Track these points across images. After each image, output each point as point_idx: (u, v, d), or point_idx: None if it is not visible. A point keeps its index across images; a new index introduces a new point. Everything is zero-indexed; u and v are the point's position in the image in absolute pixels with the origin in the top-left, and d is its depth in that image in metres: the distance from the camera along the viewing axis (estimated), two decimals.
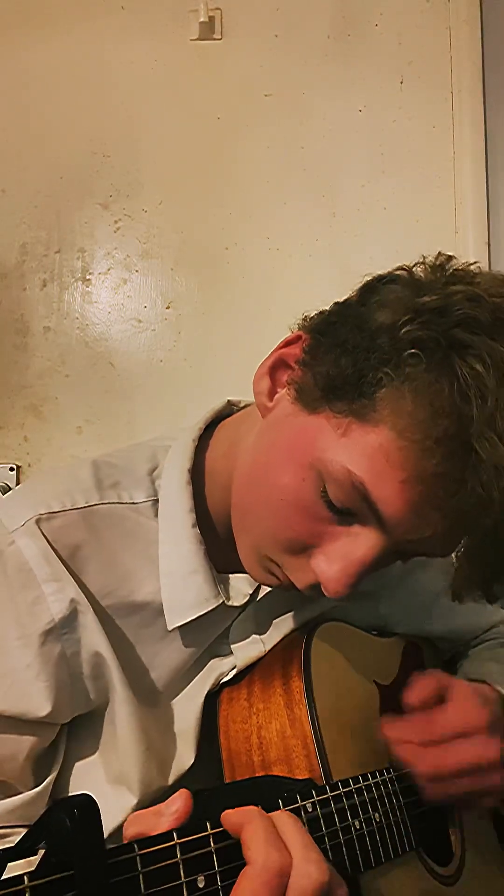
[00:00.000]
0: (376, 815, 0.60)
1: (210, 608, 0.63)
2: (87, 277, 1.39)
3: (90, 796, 0.40)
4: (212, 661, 0.67)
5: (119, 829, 0.61)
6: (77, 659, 0.60)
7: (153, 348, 1.38)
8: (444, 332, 0.50)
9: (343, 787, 0.58)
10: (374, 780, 0.62)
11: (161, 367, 1.37)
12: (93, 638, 0.60)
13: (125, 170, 1.40)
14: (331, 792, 0.57)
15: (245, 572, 0.65)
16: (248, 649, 0.68)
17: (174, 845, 0.43)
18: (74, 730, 0.64)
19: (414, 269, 0.57)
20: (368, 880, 0.57)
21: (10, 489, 1.33)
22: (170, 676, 0.65)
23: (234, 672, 0.67)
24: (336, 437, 0.54)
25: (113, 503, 0.64)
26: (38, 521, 0.59)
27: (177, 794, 0.45)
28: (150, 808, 0.45)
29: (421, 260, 0.57)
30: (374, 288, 0.56)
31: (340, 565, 0.55)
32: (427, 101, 1.39)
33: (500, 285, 0.53)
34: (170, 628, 0.63)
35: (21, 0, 1.42)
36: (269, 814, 0.46)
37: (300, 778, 0.59)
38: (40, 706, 0.58)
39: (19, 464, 1.36)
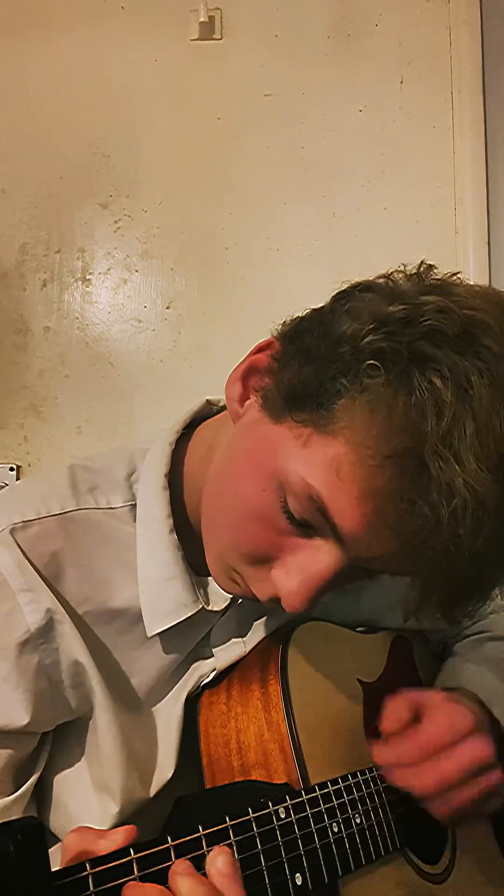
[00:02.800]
0: (357, 816, 0.60)
1: (189, 614, 0.62)
2: (87, 277, 1.39)
3: (35, 819, 0.39)
4: (193, 664, 0.67)
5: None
6: (56, 668, 0.59)
7: (153, 348, 1.38)
8: (408, 344, 0.48)
9: (321, 791, 0.58)
10: (356, 780, 0.62)
11: (161, 367, 1.37)
12: (71, 647, 0.59)
13: (125, 170, 1.40)
14: (307, 796, 0.56)
15: None
16: (229, 651, 0.67)
17: (130, 861, 0.42)
18: (62, 734, 0.64)
19: (392, 276, 0.55)
20: (349, 884, 0.57)
21: None
22: (151, 682, 0.64)
23: (214, 674, 0.66)
24: (297, 448, 0.52)
25: (90, 509, 0.63)
26: (12, 531, 0.59)
27: (122, 829, 0.45)
28: (95, 830, 0.45)
29: (401, 268, 0.56)
30: (347, 295, 0.55)
31: (299, 579, 0.54)
32: (427, 101, 1.39)
33: (477, 297, 0.51)
34: (149, 635, 0.62)
35: (21, 0, 1.42)
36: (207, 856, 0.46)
37: (278, 782, 0.58)
38: (19, 717, 0.58)
39: (19, 464, 1.36)
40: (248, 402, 0.59)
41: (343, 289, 0.56)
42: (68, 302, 1.39)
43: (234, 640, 0.68)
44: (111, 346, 1.38)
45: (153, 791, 0.63)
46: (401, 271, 0.55)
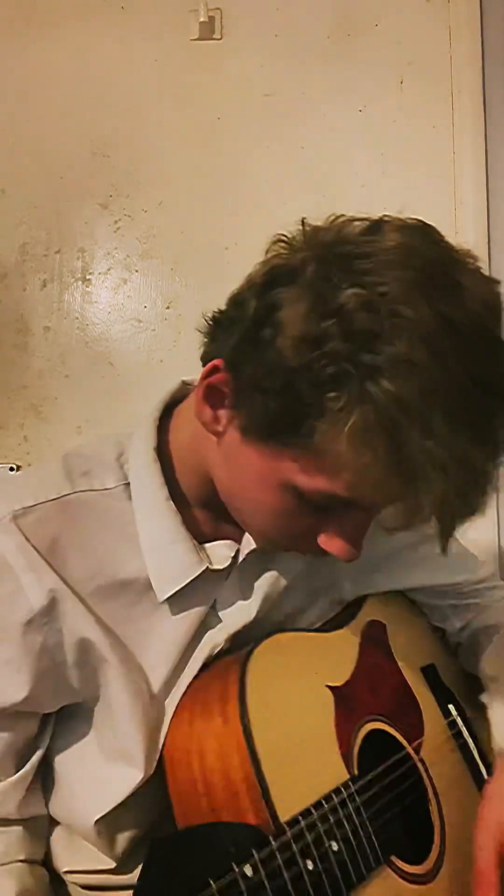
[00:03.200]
0: (334, 844, 0.59)
1: (196, 574, 0.64)
2: (87, 277, 1.39)
3: None
4: (207, 633, 0.68)
5: (121, 807, 0.62)
6: (60, 649, 0.61)
7: (153, 348, 1.38)
8: (352, 360, 0.50)
9: (292, 829, 0.56)
10: (331, 804, 0.60)
11: (161, 367, 1.37)
12: (76, 624, 0.61)
13: (125, 170, 1.40)
14: (276, 841, 0.55)
15: (221, 539, 0.68)
16: (235, 614, 0.69)
17: None
18: (65, 715, 0.66)
19: (292, 257, 0.57)
20: None
21: None
22: (166, 653, 0.65)
23: (225, 642, 0.68)
24: (297, 469, 0.56)
25: (85, 491, 0.66)
26: (13, 518, 0.61)
27: None
28: None
29: (284, 237, 0.59)
30: (266, 304, 0.56)
31: (342, 541, 0.60)
32: (427, 101, 1.39)
33: (378, 261, 0.52)
34: (160, 600, 0.64)
35: (21, 0, 1.42)
36: None
37: (249, 824, 0.57)
38: (17, 693, 0.60)
39: (19, 464, 1.36)
40: (223, 421, 0.61)
41: (251, 287, 0.59)
42: (68, 302, 1.39)
43: (239, 602, 0.70)
44: (111, 346, 1.38)
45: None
46: (283, 241, 0.59)
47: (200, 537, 0.68)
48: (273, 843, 0.55)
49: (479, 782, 0.78)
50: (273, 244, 0.60)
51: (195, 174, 1.39)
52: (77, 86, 1.41)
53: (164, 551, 0.64)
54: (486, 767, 0.79)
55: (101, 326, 1.39)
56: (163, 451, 0.69)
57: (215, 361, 0.60)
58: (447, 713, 0.81)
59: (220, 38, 1.41)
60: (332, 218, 0.58)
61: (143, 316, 1.39)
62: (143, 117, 1.40)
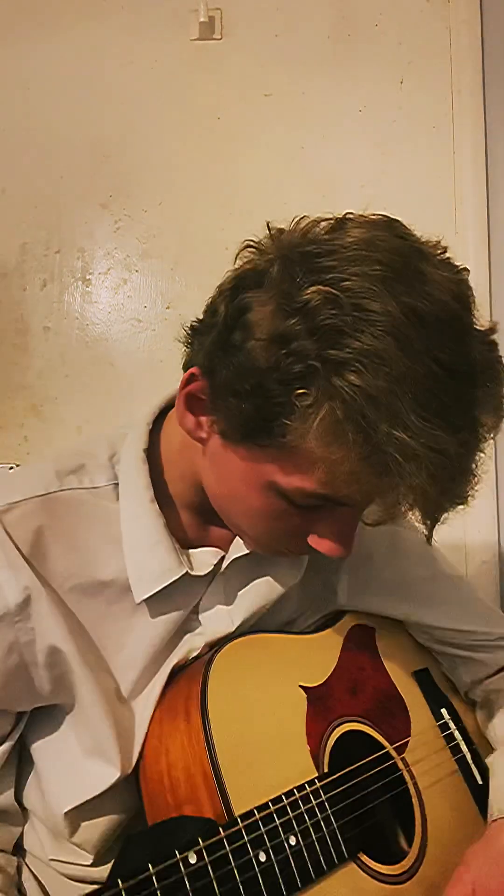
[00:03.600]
0: (291, 838, 0.59)
1: (174, 577, 0.64)
2: (87, 277, 1.39)
3: None
4: (184, 637, 0.69)
5: (96, 800, 0.62)
6: (31, 648, 0.61)
7: (153, 348, 1.38)
8: (317, 357, 0.51)
9: (245, 821, 0.57)
10: (292, 799, 0.61)
11: (161, 367, 1.37)
12: (48, 627, 0.61)
13: (125, 170, 1.40)
14: (225, 831, 0.55)
15: (209, 546, 0.69)
16: (216, 621, 0.69)
17: None
18: (42, 709, 0.66)
19: (258, 261, 0.58)
20: None
21: None
22: (142, 654, 0.66)
23: (203, 647, 0.68)
24: (276, 469, 0.57)
25: (73, 489, 0.66)
26: None
27: None
28: None
29: (259, 242, 0.60)
30: (235, 309, 0.57)
31: (332, 539, 0.61)
32: (427, 101, 1.39)
33: (340, 257, 0.53)
34: (137, 601, 0.64)
35: (21, 0, 1.42)
36: None
37: (204, 817, 0.58)
38: None
39: (19, 464, 1.36)
40: (205, 427, 0.62)
41: (221, 293, 0.60)
42: (68, 302, 1.39)
43: (219, 606, 0.70)
44: (111, 346, 1.38)
45: (136, 756, 0.64)
46: (251, 246, 0.60)
47: (186, 542, 0.68)
48: (222, 832, 0.55)
49: (473, 785, 0.78)
50: (242, 250, 0.61)
51: (195, 174, 1.39)
52: (77, 86, 1.41)
53: (144, 552, 0.65)
54: (479, 771, 0.79)
55: (101, 326, 1.39)
56: (153, 454, 0.69)
57: (192, 369, 0.61)
58: (439, 716, 0.80)
59: (220, 38, 1.41)
60: (297, 219, 0.59)
61: (143, 316, 1.39)
62: (143, 117, 1.40)
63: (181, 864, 0.52)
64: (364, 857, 0.64)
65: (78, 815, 0.64)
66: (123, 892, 0.49)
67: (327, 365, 0.51)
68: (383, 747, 0.72)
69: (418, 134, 1.39)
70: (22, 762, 0.68)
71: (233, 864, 0.55)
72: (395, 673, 0.79)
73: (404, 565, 0.81)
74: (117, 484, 0.68)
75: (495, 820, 0.70)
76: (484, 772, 0.78)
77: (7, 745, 0.65)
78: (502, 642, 0.84)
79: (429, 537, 0.59)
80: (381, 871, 0.64)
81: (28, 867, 0.68)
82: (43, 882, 0.68)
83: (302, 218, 0.58)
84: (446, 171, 1.37)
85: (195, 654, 0.68)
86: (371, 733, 0.72)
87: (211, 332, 0.59)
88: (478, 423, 0.54)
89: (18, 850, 0.69)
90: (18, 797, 0.68)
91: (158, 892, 0.50)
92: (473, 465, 0.55)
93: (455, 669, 0.85)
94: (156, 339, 1.38)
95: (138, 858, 0.51)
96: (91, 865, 0.66)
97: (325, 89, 1.40)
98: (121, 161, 1.40)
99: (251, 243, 0.60)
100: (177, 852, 0.53)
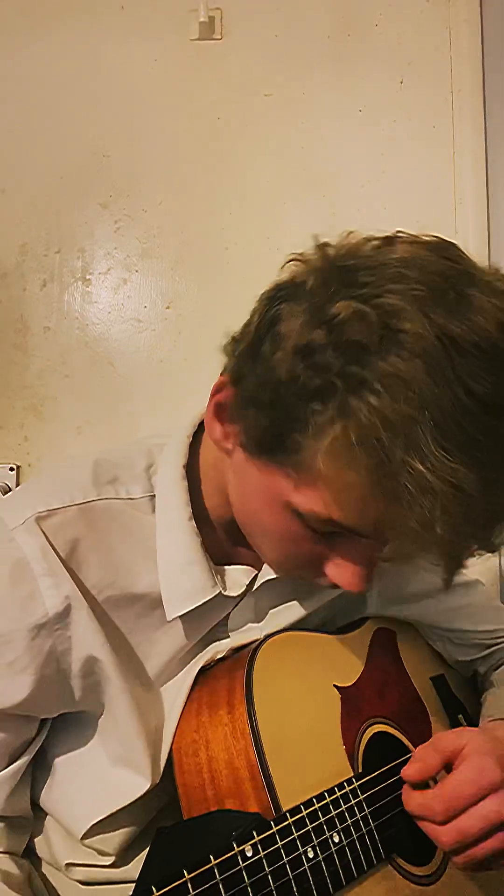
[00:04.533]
0: (335, 835, 0.59)
1: (207, 598, 0.64)
2: (87, 277, 1.39)
3: None
4: (209, 645, 0.69)
5: (126, 810, 0.62)
6: (67, 657, 0.61)
7: (153, 348, 1.38)
8: (338, 373, 0.49)
9: (293, 817, 0.57)
10: (334, 797, 0.61)
11: (161, 367, 1.37)
12: (86, 636, 0.61)
13: (125, 170, 1.40)
14: (276, 827, 0.56)
15: (241, 563, 0.68)
16: (245, 635, 0.69)
17: None
18: (69, 717, 0.65)
19: (299, 273, 0.56)
20: None
21: (10, 489, 1.34)
22: (166, 663, 0.66)
23: (228, 650, 0.68)
24: (291, 489, 0.55)
25: (110, 499, 0.65)
26: (37, 519, 0.61)
27: None
28: None
29: (304, 255, 0.57)
30: (266, 314, 0.56)
31: (350, 571, 0.58)
32: (427, 101, 1.39)
33: (379, 273, 0.50)
34: (169, 619, 0.64)
35: (21, 0, 1.42)
36: None
37: (251, 811, 0.58)
38: (18, 694, 0.60)
39: (19, 464, 1.36)
40: (231, 439, 0.61)
41: (260, 305, 0.58)
42: (68, 302, 1.39)
43: (249, 625, 0.70)
44: (111, 346, 1.38)
45: (163, 764, 0.64)
46: (298, 260, 0.57)
47: (221, 559, 0.67)
48: (274, 827, 0.56)
49: None
50: (287, 262, 0.58)
51: (195, 174, 1.39)
52: (77, 86, 1.41)
53: (179, 571, 0.64)
54: None
55: (101, 326, 1.39)
56: (192, 467, 0.68)
57: (222, 378, 0.60)
58: (456, 724, 0.81)
59: (220, 38, 1.41)
60: (346, 234, 0.56)
61: (143, 316, 1.39)
62: (143, 117, 1.40)
63: (239, 857, 0.53)
64: (397, 858, 0.65)
65: (102, 825, 0.63)
66: (189, 884, 0.50)
67: (347, 383, 0.48)
68: (409, 750, 0.72)
69: (418, 134, 1.39)
70: (39, 769, 0.68)
71: (285, 859, 0.55)
72: (415, 677, 0.80)
73: (427, 577, 0.80)
74: (153, 496, 0.67)
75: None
76: None
77: (24, 760, 0.64)
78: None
79: (446, 581, 0.55)
80: (413, 871, 0.65)
81: (40, 875, 0.68)
82: (57, 889, 0.68)
83: (351, 233, 0.56)
84: (446, 171, 1.37)
85: (221, 655, 0.68)
86: (398, 736, 0.73)
87: (244, 341, 0.58)
88: None
89: (31, 856, 0.69)
90: (35, 802, 0.68)
91: (220, 885, 0.51)
92: (500, 509, 0.51)
93: (473, 664, 0.86)
94: (156, 339, 1.38)
95: (175, 851, 0.51)
96: (110, 866, 0.66)
97: (325, 89, 1.40)
98: (121, 161, 1.40)
99: (296, 256, 0.58)
100: (234, 845, 0.53)
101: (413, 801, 0.62)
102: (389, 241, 0.54)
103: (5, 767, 0.64)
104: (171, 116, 1.40)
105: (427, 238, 0.54)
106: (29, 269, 1.39)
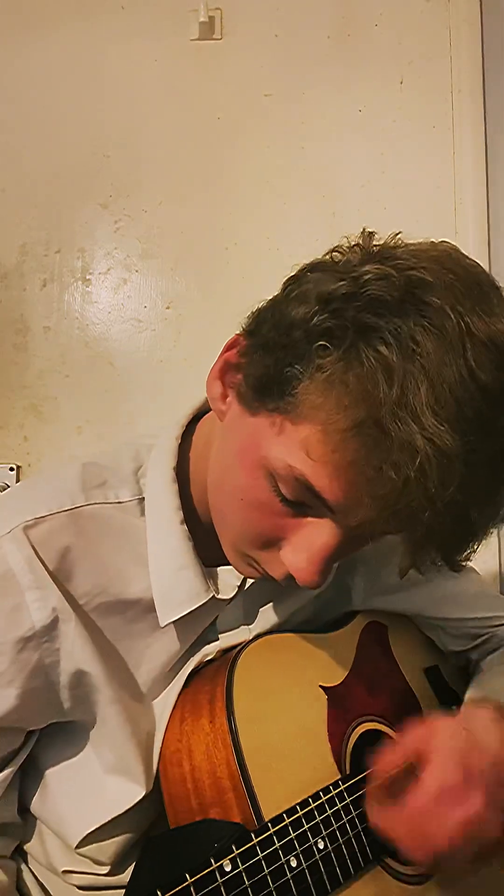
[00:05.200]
0: (320, 842, 0.59)
1: (201, 602, 0.63)
2: (87, 277, 1.39)
3: None
4: (199, 648, 0.68)
5: (121, 819, 0.61)
6: (55, 669, 0.60)
7: (153, 348, 1.38)
8: (352, 319, 0.49)
9: (275, 826, 0.56)
10: (318, 802, 0.60)
11: (161, 367, 1.37)
12: (74, 648, 0.60)
13: (125, 170, 1.40)
14: (257, 838, 0.55)
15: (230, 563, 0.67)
16: (235, 636, 0.69)
17: None
18: (60, 727, 0.64)
19: (337, 248, 0.57)
20: None
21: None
22: (159, 670, 0.65)
23: (217, 653, 0.68)
24: (274, 436, 0.55)
25: (99, 503, 0.64)
26: (24, 528, 0.60)
27: None
28: None
29: (343, 241, 0.57)
30: (296, 279, 0.56)
31: (306, 556, 0.57)
32: (427, 101, 1.39)
33: (415, 257, 0.52)
34: (163, 625, 0.63)
35: (21, 0, 1.42)
36: None
37: (234, 821, 0.57)
38: (4, 709, 0.59)
39: (19, 464, 1.36)
40: (228, 398, 0.61)
41: (293, 273, 0.58)
42: (68, 302, 1.39)
43: (241, 628, 0.69)
44: (111, 346, 1.38)
45: (155, 771, 0.64)
46: (344, 245, 0.57)
47: (211, 560, 0.66)
48: (254, 839, 0.55)
49: None
50: (329, 252, 0.58)
51: (195, 174, 1.39)
52: (77, 85, 1.41)
53: (172, 577, 0.63)
54: None
55: (101, 326, 1.39)
56: (182, 469, 0.67)
57: (237, 335, 0.60)
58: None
59: (220, 38, 1.41)
60: (391, 236, 0.57)
61: (143, 316, 1.39)
62: (143, 117, 1.40)
63: (217, 873, 0.52)
64: (387, 858, 0.64)
65: (97, 834, 0.63)
66: None
67: (359, 329, 0.49)
68: None
69: (418, 134, 1.39)
70: (31, 779, 0.67)
71: (266, 870, 0.54)
72: (407, 671, 0.79)
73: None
74: (142, 499, 0.66)
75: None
76: None
77: (9, 771, 0.63)
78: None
79: (402, 569, 0.55)
80: (402, 871, 0.65)
81: (35, 876, 0.68)
82: (52, 893, 0.67)
83: (397, 234, 0.57)
84: (446, 171, 1.37)
85: (209, 658, 0.68)
86: (388, 732, 0.73)
87: (267, 303, 0.59)
88: (497, 456, 0.50)
89: (26, 860, 0.69)
90: (26, 809, 0.67)
91: None
92: (476, 496, 0.50)
93: (467, 654, 0.86)
94: (156, 339, 1.38)
95: (164, 861, 0.51)
96: (107, 875, 0.65)
97: (325, 89, 1.40)
98: (121, 161, 1.40)
99: (338, 247, 0.58)
100: (212, 860, 0.52)
101: (377, 820, 0.60)
102: (432, 243, 0.56)
103: None
104: (171, 116, 1.40)
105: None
106: (29, 269, 1.39)
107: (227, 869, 0.53)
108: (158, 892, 0.49)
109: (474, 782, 0.58)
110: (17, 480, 1.36)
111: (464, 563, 0.56)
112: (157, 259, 1.39)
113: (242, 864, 0.54)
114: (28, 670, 0.59)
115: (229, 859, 0.53)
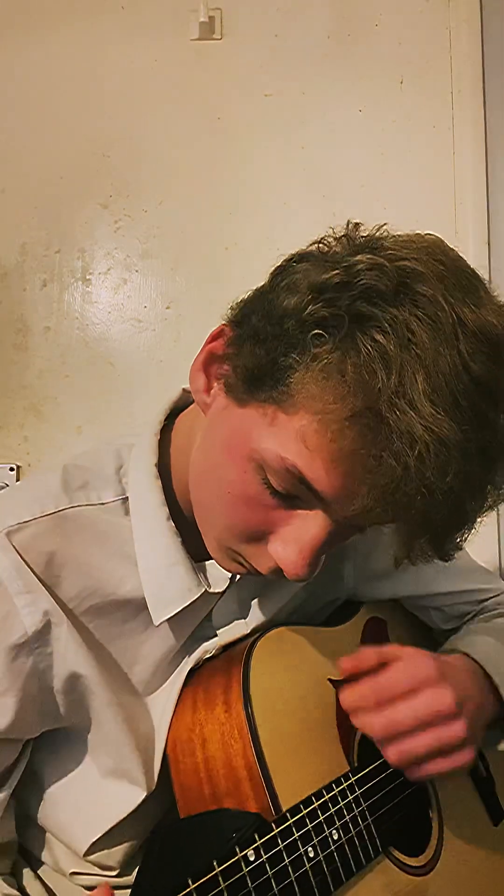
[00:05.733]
0: (335, 832, 0.59)
1: (193, 598, 0.63)
2: (87, 277, 1.39)
3: None
4: (196, 645, 0.68)
5: (125, 823, 0.62)
6: (48, 673, 0.60)
7: (153, 348, 1.38)
8: (347, 307, 0.49)
9: (293, 817, 0.57)
10: (332, 794, 0.61)
11: (161, 367, 1.37)
12: (67, 651, 0.59)
13: (125, 170, 1.40)
14: (277, 828, 0.56)
15: None
16: (231, 631, 0.69)
17: None
18: (56, 734, 0.64)
19: (323, 241, 0.57)
20: None
21: None
22: (154, 667, 0.65)
23: (216, 650, 0.68)
24: (265, 427, 0.54)
25: (82, 505, 0.63)
26: (8, 534, 0.59)
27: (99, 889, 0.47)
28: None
29: (330, 232, 0.57)
30: (283, 269, 0.56)
31: (295, 548, 0.56)
32: (427, 101, 1.39)
33: (405, 248, 0.52)
34: (156, 623, 0.63)
35: (21, 0, 1.42)
36: None
37: (250, 811, 0.58)
38: (3, 722, 0.58)
39: (19, 464, 1.36)
40: (213, 390, 0.61)
41: (279, 264, 0.57)
42: (68, 302, 1.39)
43: (233, 615, 0.69)
44: (111, 346, 1.38)
45: (157, 771, 0.64)
46: (330, 236, 0.57)
47: (200, 555, 0.66)
48: (275, 829, 0.56)
49: (476, 777, 0.78)
50: (317, 242, 0.58)
51: (195, 174, 1.39)
52: (77, 85, 1.41)
53: (162, 574, 0.62)
54: (483, 764, 0.79)
55: (101, 326, 1.39)
56: (164, 465, 0.66)
57: (221, 324, 0.59)
58: None
59: (220, 38, 1.41)
60: (375, 227, 0.57)
61: (143, 316, 1.39)
62: (143, 117, 1.40)
63: (242, 862, 0.53)
64: (393, 850, 0.65)
65: (103, 841, 0.63)
66: (195, 893, 0.49)
67: (354, 318, 0.49)
68: None
69: (418, 134, 1.39)
70: (33, 792, 0.66)
71: (287, 860, 0.55)
72: None
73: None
74: (125, 499, 0.65)
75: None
76: (487, 764, 0.79)
77: (4, 795, 0.62)
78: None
79: (397, 559, 0.55)
80: (408, 863, 0.65)
81: (41, 881, 0.68)
82: (62, 895, 0.67)
83: (382, 226, 0.57)
84: (446, 171, 1.37)
85: (209, 655, 0.67)
86: None
87: (253, 293, 0.58)
88: (489, 447, 0.51)
89: (34, 861, 0.68)
90: (32, 818, 0.67)
91: (225, 892, 0.51)
92: (471, 485, 0.51)
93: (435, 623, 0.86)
94: (156, 339, 1.38)
95: (174, 851, 0.51)
96: (117, 876, 0.65)
97: (325, 89, 1.40)
98: (121, 161, 1.40)
99: (324, 238, 0.58)
100: (237, 849, 0.53)
101: (347, 694, 0.62)
102: (419, 235, 0.56)
103: None
104: (171, 116, 1.40)
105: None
106: (29, 269, 1.39)
107: (252, 858, 0.53)
108: (189, 882, 0.50)
109: (446, 682, 0.61)
110: (17, 480, 1.36)
111: (453, 553, 0.57)
112: (157, 259, 1.39)
113: (265, 854, 0.54)
114: (23, 677, 0.58)
115: (253, 849, 0.54)
